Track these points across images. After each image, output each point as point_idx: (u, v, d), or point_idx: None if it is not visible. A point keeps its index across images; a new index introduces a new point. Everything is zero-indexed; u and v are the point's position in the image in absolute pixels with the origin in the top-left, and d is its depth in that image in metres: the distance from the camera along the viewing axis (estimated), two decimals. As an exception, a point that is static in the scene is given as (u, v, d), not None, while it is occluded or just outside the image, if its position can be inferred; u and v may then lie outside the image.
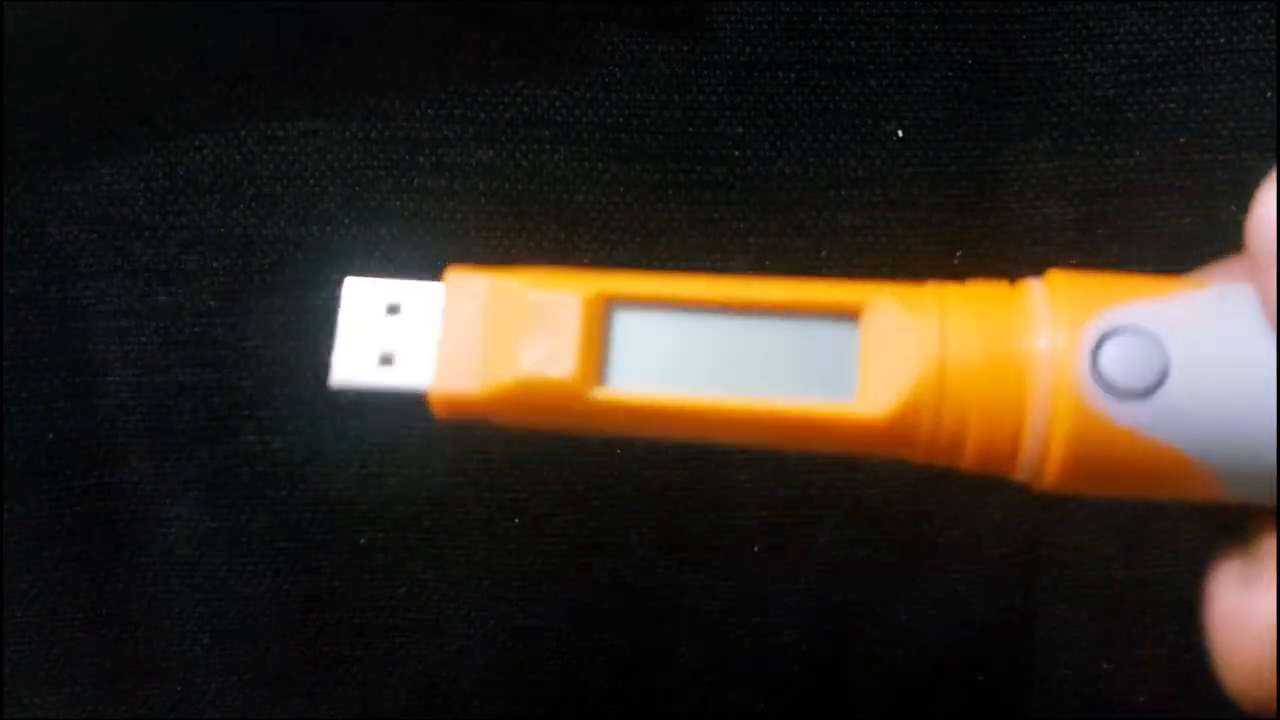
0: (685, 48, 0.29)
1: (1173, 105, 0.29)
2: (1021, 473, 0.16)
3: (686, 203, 0.30)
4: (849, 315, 0.17)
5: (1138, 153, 0.30)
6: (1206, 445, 0.15)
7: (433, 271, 0.30)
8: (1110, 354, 0.15)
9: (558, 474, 0.31)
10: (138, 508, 0.32)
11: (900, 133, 0.30)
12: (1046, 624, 0.33)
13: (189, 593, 0.32)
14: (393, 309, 0.18)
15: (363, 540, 0.32)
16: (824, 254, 0.30)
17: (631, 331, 0.17)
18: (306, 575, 0.32)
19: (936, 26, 0.29)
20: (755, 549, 0.32)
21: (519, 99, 0.29)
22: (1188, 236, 0.30)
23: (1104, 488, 0.16)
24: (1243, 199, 0.20)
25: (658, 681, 0.34)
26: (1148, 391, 0.15)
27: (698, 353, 0.17)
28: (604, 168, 0.30)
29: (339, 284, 0.30)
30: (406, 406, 0.18)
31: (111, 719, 0.33)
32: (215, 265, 0.30)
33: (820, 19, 0.29)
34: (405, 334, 0.18)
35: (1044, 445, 0.16)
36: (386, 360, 0.18)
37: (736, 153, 0.30)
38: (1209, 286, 0.16)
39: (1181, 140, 0.29)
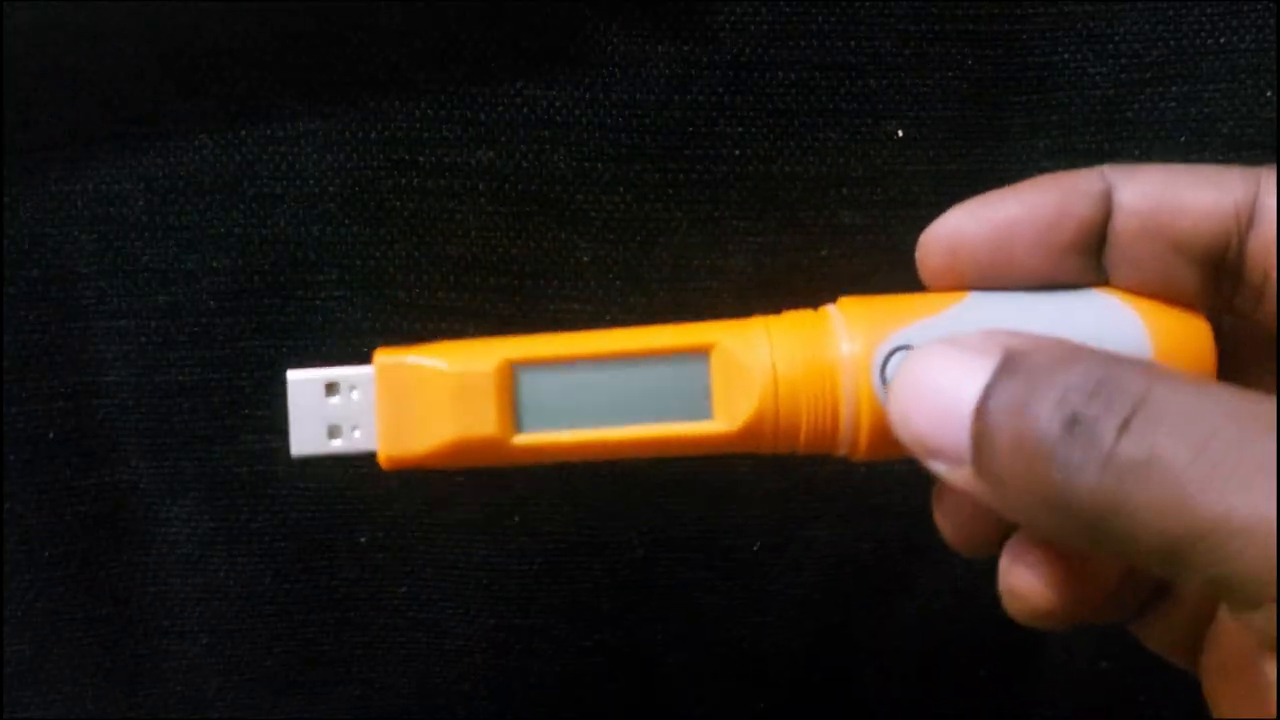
0: (685, 48, 0.29)
1: (1172, 105, 0.29)
2: (841, 450, 0.21)
3: (686, 202, 0.30)
4: (702, 353, 0.21)
5: (1138, 152, 0.30)
6: None
7: (433, 270, 0.31)
8: (892, 364, 0.20)
9: (558, 474, 0.31)
10: (138, 508, 0.32)
11: (900, 132, 0.30)
12: (1046, 624, 0.33)
13: (189, 593, 0.32)
14: (331, 388, 0.22)
15: (363, 540, 0.32)
16: (824, 253, 0.30)
17: (534, 388, 0.21)
18: (306, 575, 0.32)
19: (936, 26, 0.29)
20: (755, 547, 0.32)
21: (519, 99, 0.29)
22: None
23: (899, 451, 0.20)
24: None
25: (658, 681, 0.34)
26: None
27: (588, 396, 0.21)
28: (604, 168, 0.30)
29: (338, 285, 0.30)
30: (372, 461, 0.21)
31: (111, 719, 0.33)
32: (215, 265, 0.30)
33: (820, 19, 0.29)
34: (345, 408, 0.21)
35: (855, 428, 0.21)
36: (334, 431, 0.22)
37: (736, 152, 0.30)
38: (962, 299, 0.21)
39: (1181, 140, 0.29)
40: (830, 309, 0.21)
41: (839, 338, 0.20)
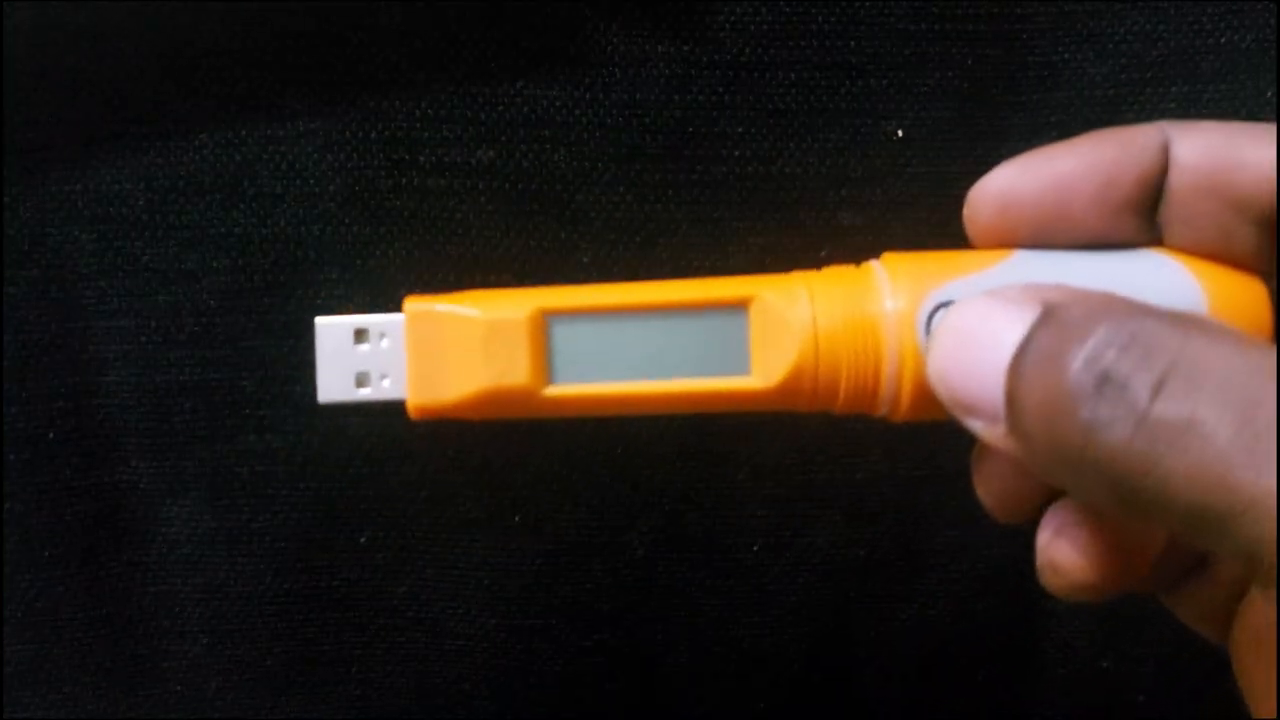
0: (685, 48, 0.29)
1: (1173, 105, 0.29)
2: (881, 409, 0.20)
3: (686, 202, 0.30)
4: (740, 307, 0.20)
5: (1137, 153, 0.30)
6: None
7: (433, 270, 0.31)
8: (938, 318, 0.19)
9: (558, 474, 0.32)
10: (138, 507, 0.32)
11: (900, 133, 0.30)
12: (1046, 624, 0.33)
13: (189, 593, 0.32)
14: (360, 335, 0.21)
15: (363, 540, 0.32)
16: (824, 254, 0.30)
17: (568, 338, 0.20)
18: (306, 575, 0.32)
19: (936, 26, 0.29)
20: (755, 549, 0.32)
21: (519, 99, 0.29)
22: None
23: (941, 413, 0.19)
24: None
25: (658, 681, 0.34)
26: None
27: (623, 349, 0.20)
28: (604, 168, 0.30)
29: (338, 285, 0.30)
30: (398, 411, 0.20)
31: (111, 719, 0.33)
32: (215, 265, 0.30)
33: (820, 19, 0.29)
34: (375, 355, 0.21)
35: (897, 385, 0.20)
36: (363, 379, 0.21)
37: (736, 153, 0.30)
38: (1009, 256, 0.20)
39: (1181, 140, 0.29)
40: (874, 264, 0.21)
41: (883, 293, 0.20)
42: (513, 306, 0.20)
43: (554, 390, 0.20)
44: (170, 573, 0.32)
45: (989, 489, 0.22)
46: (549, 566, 0.32)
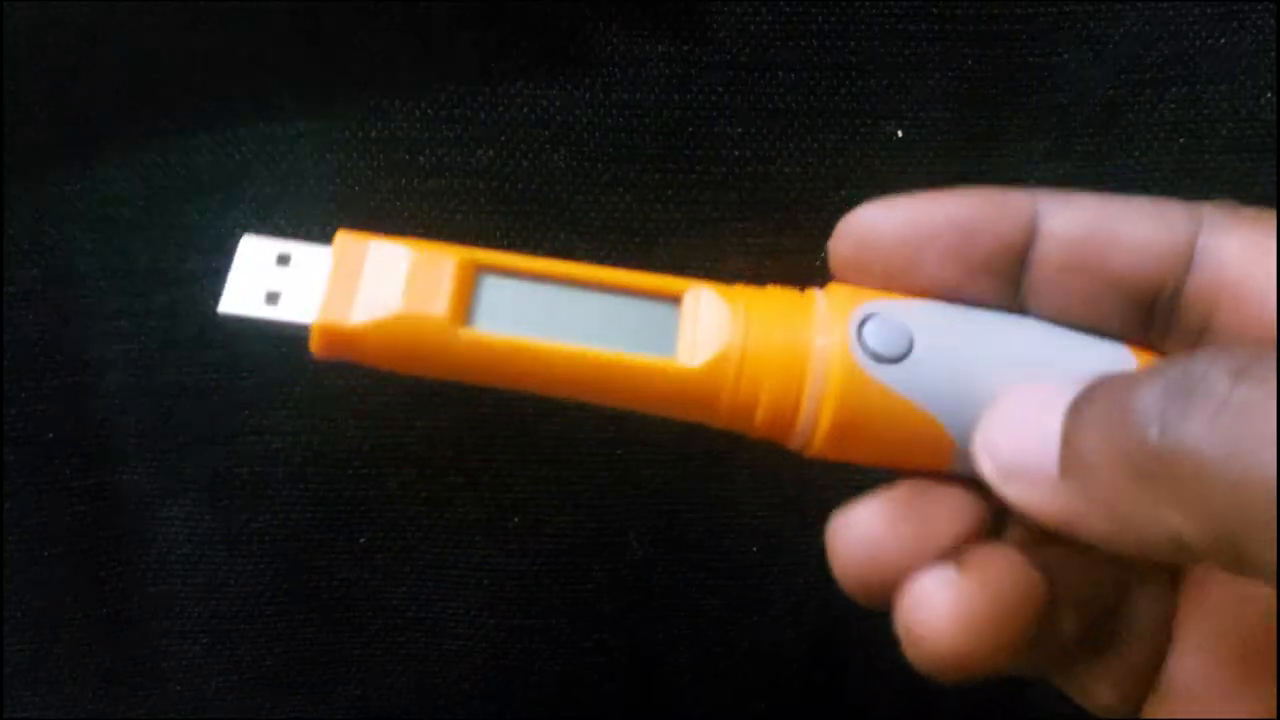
0: (685, 48, 0.29)
1: (1172, 106, 0.29)
2: (796, 440, 0.20)
3: (686, 203, 0.30)
4: (672, 298, 0.20)
5: (1136, 154, 0.30)
6: (946, 407, 0.19)
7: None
8: (870, 329, 0.19)
9: (556, 475, 0.32)
10: (138, 508, 0.32)
11: (900, 133, 0.30)
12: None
13: (189, 593, 0.32)
14: (283, 260, 0.20)
15: (362, 541, 0.32)
16: (823, 255, 0.30)
17: (496, 292, 0.20)
18: (306, 575, 0.32)
19: (936, 26, 0.29)
20: (755, 549, 0.32)
21: (519, 99, 0.29)
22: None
23: (867, 448, 0.19)
24: (1242, 200, 0.20)
25: (658, 681, 0.34)
26: (899, 357, 0.19)
27: (550, 312, 0.20)
28: (603, 168, 0.30)
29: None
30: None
31: (111, 719, 0.33)
32: (215, 265, 0.30)
33: (820, 19, 0.29)
34: (293, 279, 0.20)
35: (818, 406, 0.19)
36: (273, 298, 0.20)
37: (735, 153, 0.30)
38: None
39: (1180, 141, 0.29)
40: (816, 291, 0.20)
41: (816, 313, 0.20)
42: (446, 251, 0.20)
43: (470, 333, 0.19)
44: (170, 573, 0.32)
45: (847, 562, 0.20)
46: (548, 567, 0.32)
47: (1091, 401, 0.17)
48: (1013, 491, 0.18)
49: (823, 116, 0.29)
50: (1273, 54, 0.29)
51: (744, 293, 0.20)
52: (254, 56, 0.29)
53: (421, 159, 0.30)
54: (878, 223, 0.20)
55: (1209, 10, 0.29)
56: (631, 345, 0.19)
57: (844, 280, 0.20)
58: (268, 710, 0.33)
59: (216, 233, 0.30)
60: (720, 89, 0.29)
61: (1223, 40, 0.29)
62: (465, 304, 0.19)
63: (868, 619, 0.33)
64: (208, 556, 0.32)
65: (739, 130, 0.29)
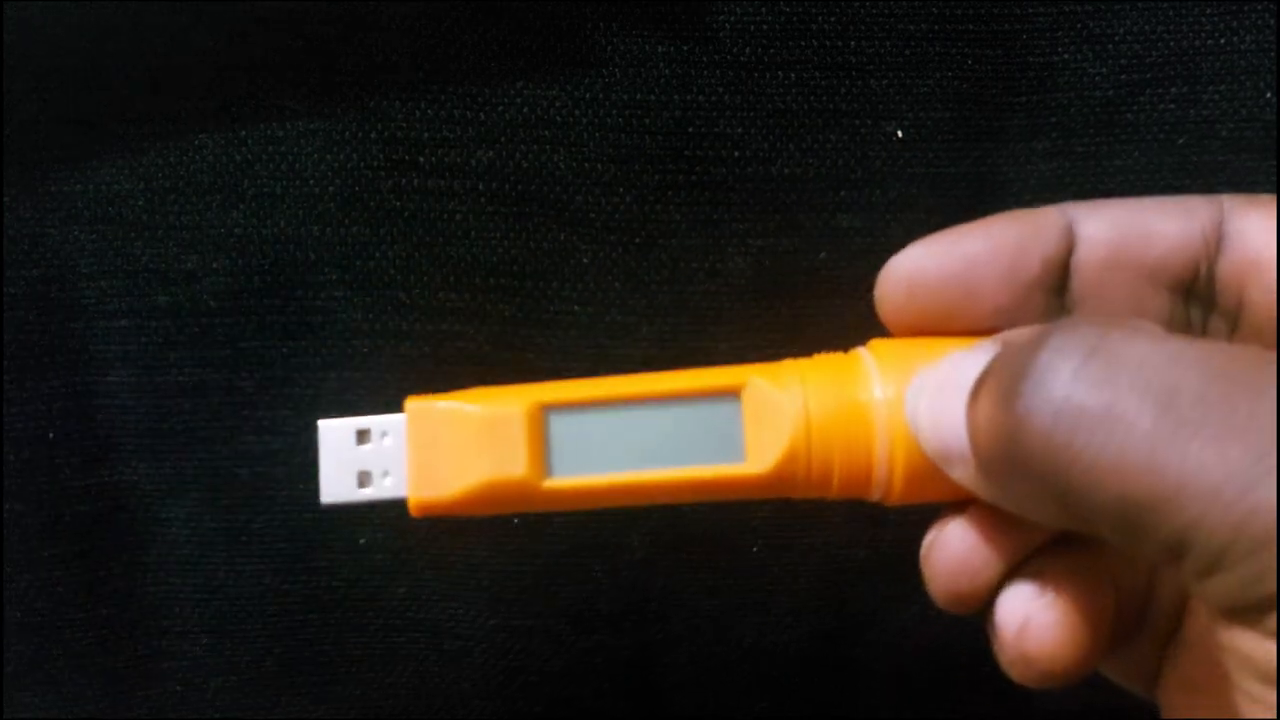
0: (685, 48, 0.29)
1: (1172, 106, 0.29)
2: (875, 494, 0.21)
3: (686, 203, 0.30)
4: (732, 394, 0.21)
5: (1137, 153, 0.30)
6: None
7: (433, 270, 0.31)
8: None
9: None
10: (138, 508, 0.32)
11: (900, 133, 0.30)
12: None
13: (189, 593, 0.32)
14: (362, 436, 0.21)
15: (363, 540, 0.32)
16: (823, 255, 0.30)
17: (565, 431, 0.21)
18: (306, 575, 0.32)
19: (936, 26, 0.29)
20: (755, 549, 0.32)
21: (519, 99, 0.29)
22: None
23: (943, 486, 0.20)
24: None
25: (658, 681, 0.34)
26: None
27: (620, 440, 0.21)
28: (604, 168, 0.30)
29: (338, 285, 0.30)
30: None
31: (111, 719, 0.33)
32: (215, 265, 0.30)
33: (820, 19, 0.29)
34: (376, 455, 0.21)
35: (889, 470, 0.20)
36: (364, 479, 0.21)
37: (736, 153, 0.30)
38: (992, 341, 0.20)
39: (1180, 141, 0.29)
40: (861, 351, 0.21)
41: (871, 380, 0.20)
42: (510, 401, 0.21)
43: (552, 483, 0.21)
44: (170, 573, 0.32)
45: (938, 578, 0.21)
46: (548, 567, 0.32)
47: (984, 381, 0.18)
48: (954, 475, 0.19)
49: (823, 116, 0.29)
50: (1273, 54, 0.29)
51: (796, 369, 0.21)
52: (255, 56, 0.29)
53: (421, 159, 0.30)
54: (924, 264, 0.21)
55: (1209, 10, 0.29)
56: (702, 457, 0.20)
57: (898, 323, 0.21)
58: (268, 710, 0.33)
59: (216, 233, 0.30)
60: (721, 89, 0.29)
61: (1223, 40, 0.29)
62: (540, 454, 0.21)
63: (868, 619, 0.33)
64: (208, 556, 0.32)
65: (739, 130, 0.29)
